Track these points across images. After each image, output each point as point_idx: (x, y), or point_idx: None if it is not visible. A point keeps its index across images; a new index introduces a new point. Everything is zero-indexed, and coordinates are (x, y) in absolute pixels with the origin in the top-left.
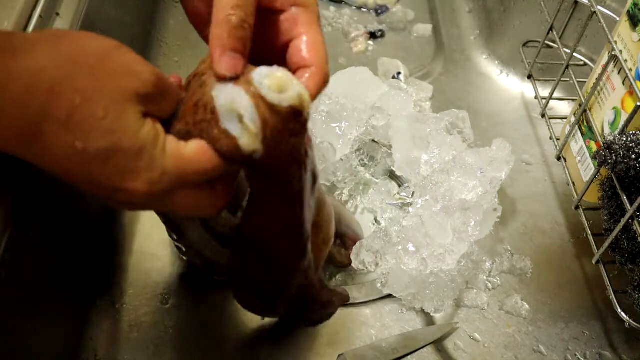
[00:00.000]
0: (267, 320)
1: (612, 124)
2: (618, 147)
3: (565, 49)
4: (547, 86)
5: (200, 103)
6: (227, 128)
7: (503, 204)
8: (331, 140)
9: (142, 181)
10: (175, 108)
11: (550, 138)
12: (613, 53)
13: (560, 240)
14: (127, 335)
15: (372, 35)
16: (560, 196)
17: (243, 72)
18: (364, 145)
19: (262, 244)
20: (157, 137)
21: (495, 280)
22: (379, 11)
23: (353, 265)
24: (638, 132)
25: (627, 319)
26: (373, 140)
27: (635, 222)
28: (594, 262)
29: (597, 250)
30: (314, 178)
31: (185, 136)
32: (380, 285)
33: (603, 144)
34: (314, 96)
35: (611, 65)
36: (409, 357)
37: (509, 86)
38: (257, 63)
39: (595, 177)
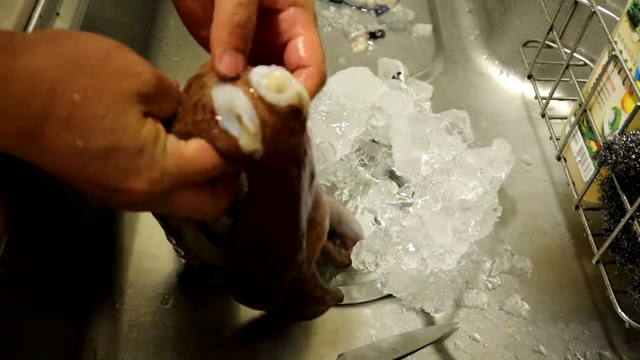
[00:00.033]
0: (268, 320)
1: (612, 124)
2: (618, 147)
3: (565, 49)
4: (547, 86)
5: (199, 103)
6: (226, 128)
7: (503, 204)
8: (331, 140)
9: (143, 181)
10: (175, 108)
11: (550, 138)
12: (613, 53)
13: (560, 240)
14: (127, 335)
15: (372, 35)
16: (560, 196)
17: (243, 72)
18: (364, 145)
19: (258, 240)
20: (157, 136)
21: (495, 280)
22: (379, 11)
23: (353, 265)
24: (638, 132)
25: (627, 319)
26: (373, 140)
27: (635, 222)
28: (594, 262)
29: (597, 250)
30: (312, 176)
31: (185, 136)
32: (380, 285)
33: (603, 144)
34: (312, 96)
35: (611, 65)
36: (409, 357)
37: (509, 86)
38: (255, 63)
39: (595, 177)
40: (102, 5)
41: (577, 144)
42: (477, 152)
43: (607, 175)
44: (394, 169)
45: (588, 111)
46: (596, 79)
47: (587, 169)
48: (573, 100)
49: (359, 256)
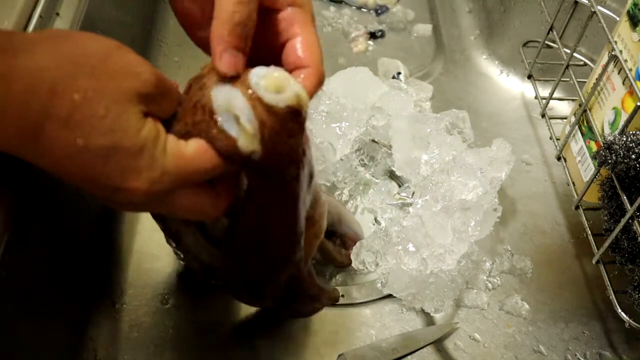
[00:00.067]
0: (267, 320)
1: (612, 124)
2: (618, 147)
3: (565, 49)
4: (547, 86)
5: (199, 104)
6: (225, 128)
7: (503, 204)
8: (331, 140)
9: (143, 180)
10: (175, 109)
11: (550, 138)
12: (613, 53)
13: (560, 240)
14: (127, 335)
15: (372, 35)
16: (560, 196)
17: (242, 73)
18: (364, 145)
19: (257, 238)
20: (157, 136)
21: (495, 280)
22: (379, 11)
23: (353, 265)
24: (638, 132)
25: (627, 319)
26: (373, 140)
27: (635, 222)
28: (594, 262)
29: (597, 250)
30: (311, 176)
31: (184, 136)
32: (380, 285)
33: (603, 144)
34: (310, 96)
35: (611, 65)
36: (409, 357)
37: (509, 86)
38: (253, 63)
39: (595, 177)
40: (102, 5)
41: (577, 144)
42: (477, 152)
43: (607, 175)
44: (394, 169)
45: (588, 111)
46: (596, 79)
47: (587, 169)
48: (573, 100)
49: (359, 256)
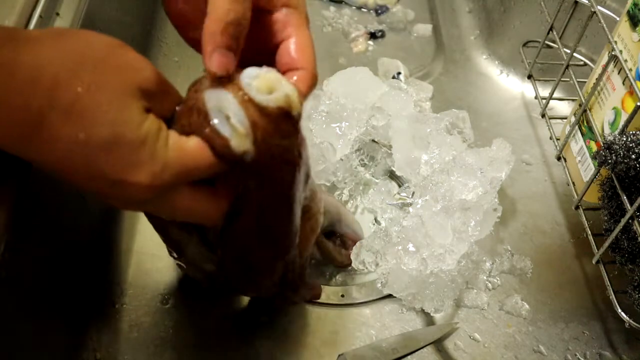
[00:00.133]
0: (267, 320)
1: (612, 124)
2: (618, 147)
3: (565, 49)
4: (547, 86)
5: (194, 106)
6: (218, 129)
7: (503, 204)
8: (331, 140)
9: (145, 173)
10: (174, 109)
11: (550, 138)
12: (613, 53)
13: (560, 240)
14: (127, 335)
15: (372, 35)
16: (560, 196)
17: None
18: (364, 145)
19: (252, 238)
20: (159, 130)
21: (495, 280)
22: (379, 11)
23: (353, 265)
24: (638, 132)
25: (627, 319)
26: (373, 140)
27: (635, 222)
28: (594, 262)
29: (597, 250)
30: (307, 176)
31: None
32: (380, 285)
33: (603, 144)
34: (304, 98)
35: (611, 65)
36: (409, 357)
37: (509, 86)
38: (247, 64)
39: (595, 177)
40: (102, 5)
41: (577, 144)
42: (477, 152)
43: (607, 175)
44: (394, 169)
45: (588, 111)
46: (596, 79)
47: (587, 169)
48: (573, 100)
49: (359, 256)
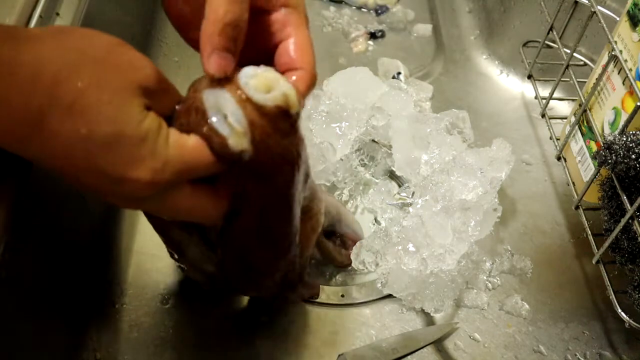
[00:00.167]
0: (267, 320)
1: (612, 124)
2: (618, 147)
3: (565, 49)
4: (547, 86)
5: (193, 105)
6: (216, 127)
7: (503, 204)
8: (331, 140)
9: (146, 170)
10: (174, 108)
11: (550, 138)
12: (613, 53)
13: (560, 240)
14: (127, 335)
15: (372, 35)
16: (560, 196)
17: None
18: (364, 145)
19: (252, 239)
20: (159, 128)
21: (495, 280)
22: (379, 11)
23: (353, 265)
24: (638, 132)
25: (627, 319)
26: (373, 140)
27: (635, 222)
28: (594, 262)
29: (597, 250)
30: (306, 176)
31: None
32: (380, 285)
33: (603, 144)
34: (303, 97)
35: (611, 65)
36: (409, 357)
37: (509, 86)
38: (246, 64)
39: (595, 177)
40: (102, 5)
41: (577, 144)
42: (477, 152)
43: (607, 175)
44: (394, 169)
45: (588, 111)
46: (596, 79)
47: (587, 169)
48: (573, 100)
49: (359, 256)
